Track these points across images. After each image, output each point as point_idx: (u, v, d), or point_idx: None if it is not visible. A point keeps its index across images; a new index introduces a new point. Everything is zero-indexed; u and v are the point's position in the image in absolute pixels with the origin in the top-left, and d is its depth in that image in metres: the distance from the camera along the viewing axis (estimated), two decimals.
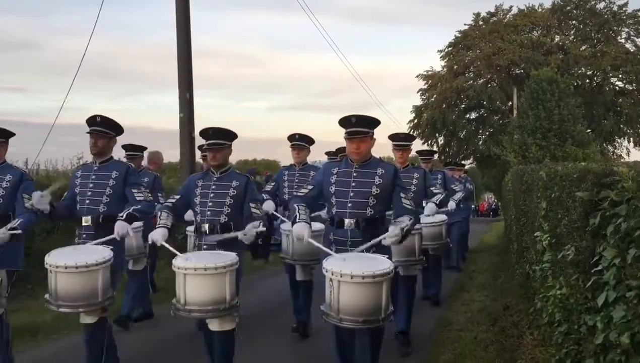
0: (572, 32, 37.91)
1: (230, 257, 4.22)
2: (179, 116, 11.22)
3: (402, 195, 4.31)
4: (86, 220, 4.88)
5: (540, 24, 37.38)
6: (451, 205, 7.32)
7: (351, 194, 4.31)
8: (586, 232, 3.05)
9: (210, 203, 4.76)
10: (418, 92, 39.47)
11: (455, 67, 37.60)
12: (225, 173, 4.87)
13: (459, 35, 38.28)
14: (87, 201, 4.89)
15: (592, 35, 37.14)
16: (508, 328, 5.97)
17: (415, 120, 39.24)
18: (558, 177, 4.13)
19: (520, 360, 4.91)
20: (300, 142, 6.61)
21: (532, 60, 34.38)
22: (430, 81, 38.76)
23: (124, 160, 7.54)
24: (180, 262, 4.08)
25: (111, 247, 4.53)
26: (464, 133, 38.73)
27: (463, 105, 38.63)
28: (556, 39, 37.58)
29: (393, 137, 6.32)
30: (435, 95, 38.08)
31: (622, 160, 35.17)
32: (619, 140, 36.92)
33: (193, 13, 11.22)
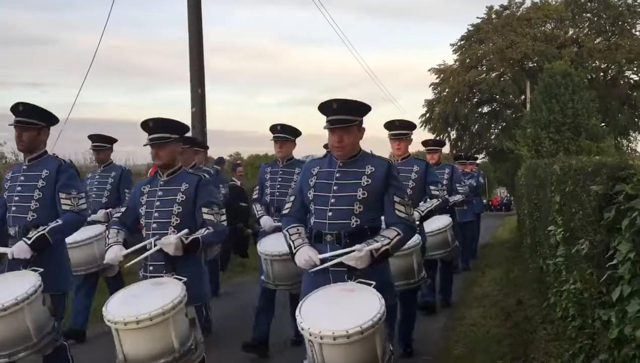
0: (586, 24, 37.52)
1: (174, 292, 3.35)
2: (191, 111, 11.26)
3: (397, 199, 3.37)
4: (13, 232, 4.06)
5: (554, 16, 37.02)
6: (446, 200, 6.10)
7: (332, 201, 3.41)
8: (601, 226, 3.03)
9: (156, 214, 3.87)
10: (430, 86, 39.32)
11: (467, 60, 37.37)
12: (173, 174, 3.97)
13: (472, 28, 38.02)
14: (14, 208, 4.07)
15: (607, 28, 36.73)
16: (521, 323, 5.95)
17: (428, 115, 39.08)
18: (572, 171, 4.10)
19: (533, 354, 4.89)
20: (283, 133, 5.73)
21: (545, 53, 34.10)
22: (442, 75, 38.57)
23: (91, 153, 6.79)
24: (110, 312, 3.23)
25: (40, 269, 3.68)
26: (476, 127, 38.52)
27: (475, 99, 38.42)
28: (570, 32, 37.22)
29: (388, 126, 5.51)
30: (447, 89, 37.89)
31: (636, 154, 34.83)
32: (633, 134, 36.57)
33: (204, 7, 11.23)
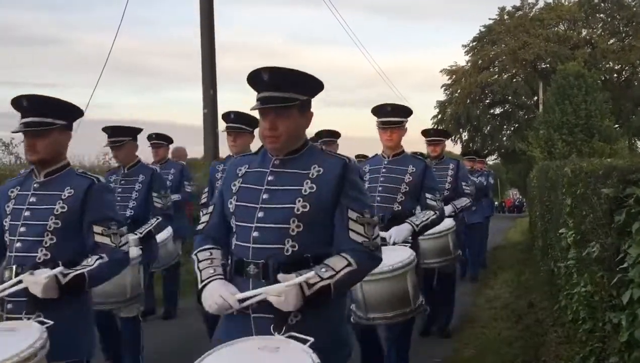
0: (599, 25, 37.29)
1: (23, 342, 2.20)
2: (203, 112, 11.33)
3: (352, 215, 2.28)
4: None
5: (567, 17, 36.83)
6: (448, 210, 5.37)
7: (259, 215, 2.32)
8: (611, 229, 3.03)
9: (22, 229, 2.75)
10: (442, 87, 39.24)
11: (479, 61, 37.27)
12: (54, 175, 2.85)
13: (484, 29, 37.91)
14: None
15: (621, 28, 36.50)
16: (532, 326, 5.93)
17: (439, 116, 39.01)
18: (583, 173, 4.09)
19: (544, 357, 4.88)
20: (238, 123, 4.57)
21: (558, 54, 33.93)
22: (454, 76, 38.48)
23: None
24: None
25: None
26: (488, 128, 38.41)
27: (488, 101, 38.30)
28: (583, 33, 37.02)
29: (376, 111, 4.32)
30: (459, 91, 37.79)
31: None
32: None
33: (217, 8, 11.30)
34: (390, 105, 4.26)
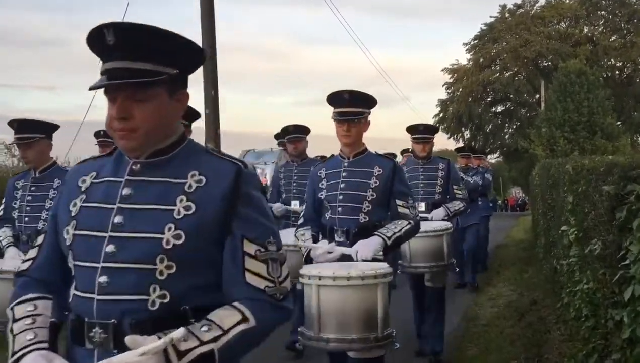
0: (601, 22, 37.21)
1: None
2: (205, 113, 11.32)
3: (249, 248, 1.59)
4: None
5: (568, 15, 36.75)
6: (437, 214, 5.27)
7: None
8: (613, 226, 3.03)
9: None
10: (443, 85, 39.17)
11: (481, 60, 37.20)
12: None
13: (485, 27, 37.84)
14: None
15: (622, 25, 36.41)
16: (535, 323, 5.94)
17: (441, 114, 38.96)
18: (584, 170, 4.09)
19: (547, 355, 4.89)
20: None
21: (560, 52, 33.85)
22: (455, 75, 38.42)
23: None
24: None
25: None
26: (490, 127, 38.34)
27: (489, 99, 38.23)
28: (585, 30, 36.93)
29: (330, 100, 3.60)
30: (460, 89, 37.74)
31: None
32: None
33: (217, 8, 11.30)
34: (348, 92, 3.48)
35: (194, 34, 11.40)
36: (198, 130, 11.33)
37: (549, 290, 6.83)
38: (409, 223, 3.49)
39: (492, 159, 43.59)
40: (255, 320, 1.53)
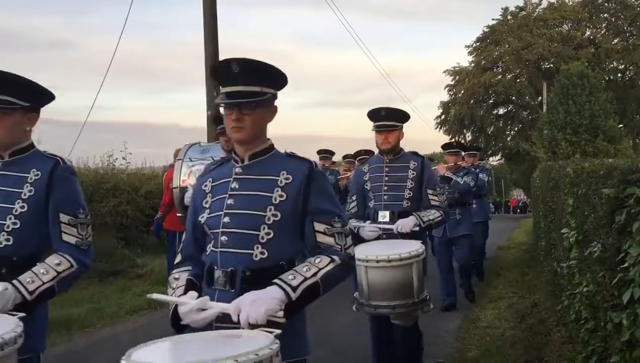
0: (603, 25, 37.20)
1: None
2: (207, 114, 11.36)
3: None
4: None
5: (570, 17, 36.74)
6: (404, 224, 4.07)
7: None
8: (612, 229, 3.04)
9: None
10: (445, 88, 39.20)
11: (483, 62, 37.20)
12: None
13: (487, 30, 37.84)
14: None
15: (625, 28, 36.39)
16: (536, 326, 5.94)
17: (443, 116, 38.97)
18: (585, 173, 4.10)
19: (547, 357, 4.90)
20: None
21: (562, 54, 33.86)
22: (457, 77, 38.43)
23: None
24: None
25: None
26: (492, 129, 38.35)
27: (491, 101, 38.24)
28: (587, 33, 36.93)
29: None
30: (462, 91, 37.75)
31: None
32: None
33: (220, 11, 11.35)
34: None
35: (198, 37, 11.43)
36: (201, 131, 11.34)
37: (549, 293, 6.83)
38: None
39: (494, 161, 43.64)
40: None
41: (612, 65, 35.79)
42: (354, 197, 4.59)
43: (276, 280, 2.13)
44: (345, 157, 10.84)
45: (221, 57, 11.47)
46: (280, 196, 2.26)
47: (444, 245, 7.57)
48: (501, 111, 39.15)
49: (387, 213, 4.30)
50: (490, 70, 37.15)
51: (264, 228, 2.24)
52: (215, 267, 2.27)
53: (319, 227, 2.27)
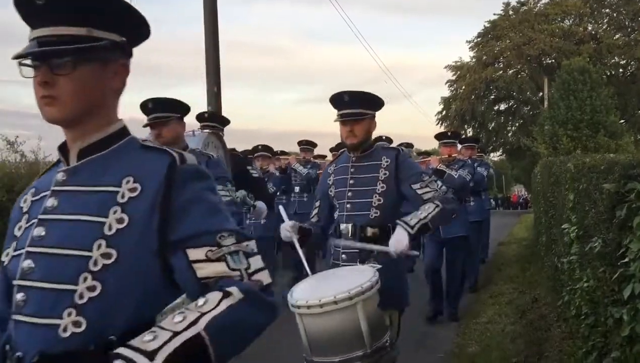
0: (605, 20, 37.10)
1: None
2: (207, 109, 11.34)
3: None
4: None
5: (572, 12, 36.63)
6: (397, 242, 3.15)
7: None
8: (613, 224, 3.04)
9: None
10: (446, 83, 39.14)
11: (484, 57, 37.13)
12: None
13: (489, 25, 37.75)
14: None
15: (626, 23, 36.29)
16: (536, 321, 5.94)
17: (444, 112, 38.94)
18: (585, 168, 4.09)
19: (547, 353, 4.90)
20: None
21: (563, 49, 33.78)
22: (458, 72, 38.37)
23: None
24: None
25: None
26: (493, 124, 38.31)
27: (492, 96, 38.18)
28: (589, 28, 36.83)
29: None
30: (463, 87, 37.70)
31: None
32: None
33: (221, 5, 11.33)
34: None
35: (198, 33, 11.41)
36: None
37: (550, 288, 6.83)
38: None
39: (495, 156, 43.63)
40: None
41: (613, 60, 35.71)
42: (316, 204, 3.67)
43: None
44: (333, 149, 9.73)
45: (221, 52, 11.48)
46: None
47: (435, 244, 6.59)
48: (502, 107, 39.10)
49: (349, 226, 3.37)
50: (491, 65, 37.08)
51: (85, 279, 1.32)
52: (7, 348, 1.39)
53: (195, 254, 1.35)
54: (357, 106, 3.35)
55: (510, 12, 37.48)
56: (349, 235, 3.36)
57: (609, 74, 33.12)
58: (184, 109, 3.90)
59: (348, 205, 3.40)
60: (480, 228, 8.80)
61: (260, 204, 5.33)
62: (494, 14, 37.95)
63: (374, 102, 3.45)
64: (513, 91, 36.77)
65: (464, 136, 10.32)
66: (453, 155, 7.00)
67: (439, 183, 3.36)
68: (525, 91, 36.45)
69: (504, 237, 15.60)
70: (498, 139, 38.53)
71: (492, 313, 6.74)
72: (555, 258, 6.62)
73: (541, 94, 34.71)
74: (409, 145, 9.92)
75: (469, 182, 6.89)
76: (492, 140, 38.41)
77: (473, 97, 37.20)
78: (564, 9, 36.33)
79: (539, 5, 37.51)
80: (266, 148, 8.52)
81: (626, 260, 2.73)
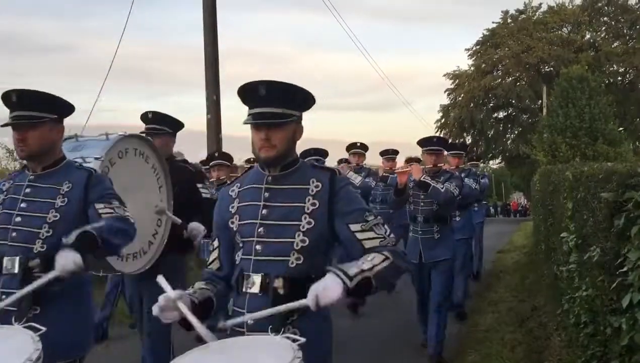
0: (603, 28, 37.24)
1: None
2: (206, 118, 11.36)
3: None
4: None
5: (570, 20, 36.78)
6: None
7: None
8: (611, 233, 3.04)
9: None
10: (445, 91, 39.22)
11: (483, 65, 37.24)
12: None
13: (487, 33, 37.89)
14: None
15: (624, 31, 36.44)
16: (536, 330, 5.94)
17: (443, 120, 38.99)
18: (584, 177, 4.10)
19: (547, 361, 4.89)
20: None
21: (562, 57, 33.88)
22: (457, 80, 38.46)
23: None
24: None
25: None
26: (492, 132, 38.36)
27: (491, 104, 38.25)
28: (587, 36, 36.97)
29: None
30: (462, 95, 37.77)
31: None
32: None
33: (221, 14, 11.36)
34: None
35: (198, 41, 11.43)
36: (200, 135, 11.36)
37: (549, 297, 6.83)
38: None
39: (494, 164, 43.68)
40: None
41: (612, 68, 35.82)
42: (215, 243, 2.48)
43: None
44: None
45: (221, 61, 11.51)
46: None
47: (420, 271, 5.71)
48: (501, 114, 39.17)
49: (258, 278, 2.28)
50: (490, 73, 37.18)
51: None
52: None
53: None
54: (277, 104, 2.27)
55: (509, 21, 37.63)
56: (258, 290, 2.27)
57: (607, 82, 33.18)
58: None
59: (258, 247, 2.29)
60: (467, 246, 7.80)
61: (194, 224, 4.24)
62: (493, 22, 38.16)
63: (302, 99, 2.39)
64: (512, 99, 36.85)
65: (451, 142, 9.00)
66: (439, 165, 5.87)
67: (387, 228, 2.32)
68: (524, 99, 36.53)
69: (503, 244, 15.59)
70: (497, 147, 38.58)
71: (492, 321, 6.74)
72: (554, 267, 6.62)
73: (540, 101, 34.78)
74: (395, 152, 8.91)
75: (456, 196, 5.65)
76: (491, 147, 38.46)
77: (472, 104, 37.28)
78: (563, 17, 36.48)
79: (537, 13, 37.67)
80: (224, 155, 7.17)
81: (625, 269, 2.73)
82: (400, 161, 8.84)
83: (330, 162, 8.53)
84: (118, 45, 11.85)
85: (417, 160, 6.18)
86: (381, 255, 2.18)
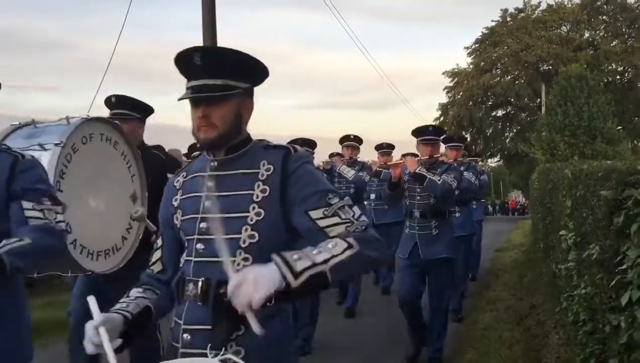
0: (602, 27, 37.28)
1: None
2: None
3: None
4: None
5: (569, 19, 36.82)
6: None
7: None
8: (610, 231, 3.03)
9: None
10: (444, 89, 39.24)
11: (482, 64, 37.26)
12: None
13: (486, 31, 37.92)
14: None
15: (623, 30, 36.49)
16: (534, 328, 5.94)
17: (442, 118, 39.02)
18: (583, 175, 4.10)
19: (545, 359, 4.89)
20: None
21: (561, 56, 33.91)
22: (456, 78, 38.48)
23: None
24: None
25: None
26: (490, 130, 38.40)
27: (490, 103, 38.30)
28: (586, 35, 37.01)
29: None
30: (461, 93, 37.79)
31: None
32: None
33: (220, 12, 11.34)
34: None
35: (197, 39, 11.40)
36: None
37: (547, 295, 6.83)
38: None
39: (493, 162, 43.71)
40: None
41: (610, 67, 35.88)
42: (159, 242, 2.11)
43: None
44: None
45: None
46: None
47: (411, 270, 5.17)
48: (500, 113, 39.22)
49: (197, 284, 1.88)
50: (489, 71, 37.22)
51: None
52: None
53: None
54: (217, 75, 1.87)
55: (508, 19, 37.66)
56: (197, 299, 1.86)
57: (606, 80, 33.22)
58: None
59: (199, 246, 1.90)
60: (467, 244, 7.49)
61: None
62: (492, 21, 38.19)
63: (248, 69, 1.96)
64: (510, 97, 36.89)
65: (447, 133, 8.60)
66: (435, 156, 5.37)
67: (356, 210, 1.88)
68: (523, 97, 36.57)
69: (501, 243, 15.61)
70: (496, 145, 38.64)
71: (490, 319, 6.74)
72: (553, 265, 6.62)
73: (539, 100, 34.81)
74: (390, 146, 8.65)
75: (454, 189, 5.25)
76: (489, 146, 38.49)
77: (471, 103, 37.32)
78: (562, 15, 36.51)
79: (536, 12, 37.68)
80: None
81: (624, 267, 2.72)
82: (396, 157, 8.07)
83: (322, 156, 8.24)
84: (117, 43, 11.82)
85: (414, 155, 5.92)
86: (344, 242, 1.72)
